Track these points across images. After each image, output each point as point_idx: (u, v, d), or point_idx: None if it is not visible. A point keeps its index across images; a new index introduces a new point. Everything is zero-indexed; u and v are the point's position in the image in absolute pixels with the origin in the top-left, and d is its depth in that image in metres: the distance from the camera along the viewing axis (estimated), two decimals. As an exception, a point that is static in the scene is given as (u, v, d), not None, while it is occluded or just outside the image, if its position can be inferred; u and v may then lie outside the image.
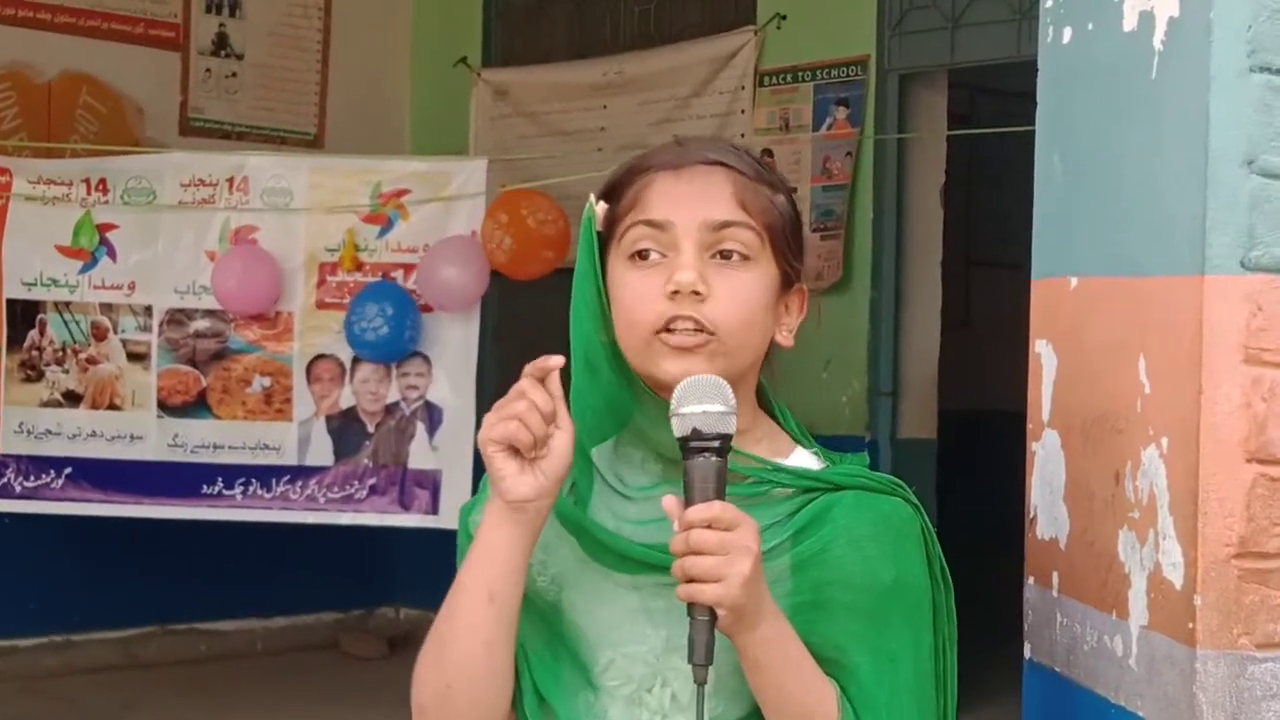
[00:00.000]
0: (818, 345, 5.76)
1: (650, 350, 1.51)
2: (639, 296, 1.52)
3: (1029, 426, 1.87)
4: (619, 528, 1.55)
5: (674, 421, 1.44)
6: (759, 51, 6.29)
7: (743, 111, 6.30)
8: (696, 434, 1.42)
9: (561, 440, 1.47)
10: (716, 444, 1.42)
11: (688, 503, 1.42)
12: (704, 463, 1.42)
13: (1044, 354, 1.85)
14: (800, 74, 6.17)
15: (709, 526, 1.39)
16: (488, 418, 1.47)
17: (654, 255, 1.53)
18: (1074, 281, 1.78)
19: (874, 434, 5.93)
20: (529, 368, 1.47)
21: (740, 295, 1.52)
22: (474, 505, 1.59)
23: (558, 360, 1.48)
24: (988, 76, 6.76)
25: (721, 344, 1.51)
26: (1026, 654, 1.85)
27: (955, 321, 6.63)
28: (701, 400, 1.43)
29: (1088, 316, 1.75)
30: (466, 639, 1.50)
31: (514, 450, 1.46)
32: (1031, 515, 1.86)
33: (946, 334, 6.24)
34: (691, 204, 1.53)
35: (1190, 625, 1.51)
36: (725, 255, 1.53)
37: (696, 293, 1.50)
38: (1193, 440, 1.52)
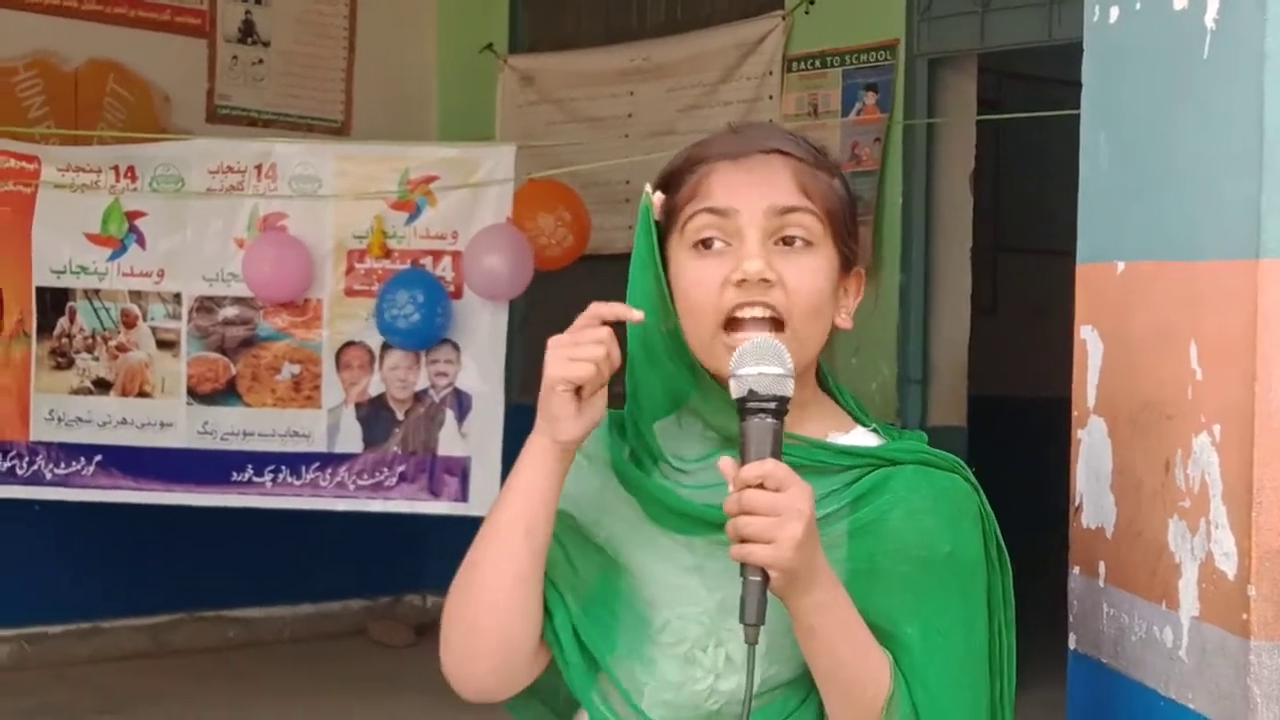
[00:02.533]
0: (847, 331, 5.72)
1: (715, 346, 1.53)
2: (704, 285, 1.53)
3: (1074, 413, 1.84)
4: (677, 493, 1.57)
5: (731, 384, 1.46)
6: (787, 37, 6.25)
7: (771, 97, 6.27)
8: (753, 395, 1.44)
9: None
10: (773, 406, 1.44)
11: (743, 464, 1.43)
12: (760, 424, 1.43)
13: (1089, 340, 1.82)
14: (828, 59, 6.13)
15: (761, 486, 1.40)
16: (555, 353, 1.48)
17: (718, 244, 1.55)
18: (1121, 266, 1.75)
19: (904, 421, 5.89)
20: (603, 309, 1.49)
21: (808, 281, 1.54)
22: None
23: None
24: (1015, 61, 6.71)
25: (793, 333, 1.53)
26: (1071, 644, 1.83)
27: (983, 307, 6.59)
28: (759, 362, 1.45)
29: (1136, 302, 1.72)
30: (498, 573, 1.53)
31: (576, 391, 1.49)
32: (1076, 503, 1.83)
33: (974, 320, 6.20)
34: (754, 191, 1.54)
35: (1244, 616, 1.49)
36: (788, 241, 1.55)
37: (765, 280, 1.52)
38: (1247, 428, 1.50)
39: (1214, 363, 1.56)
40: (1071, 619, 1.83)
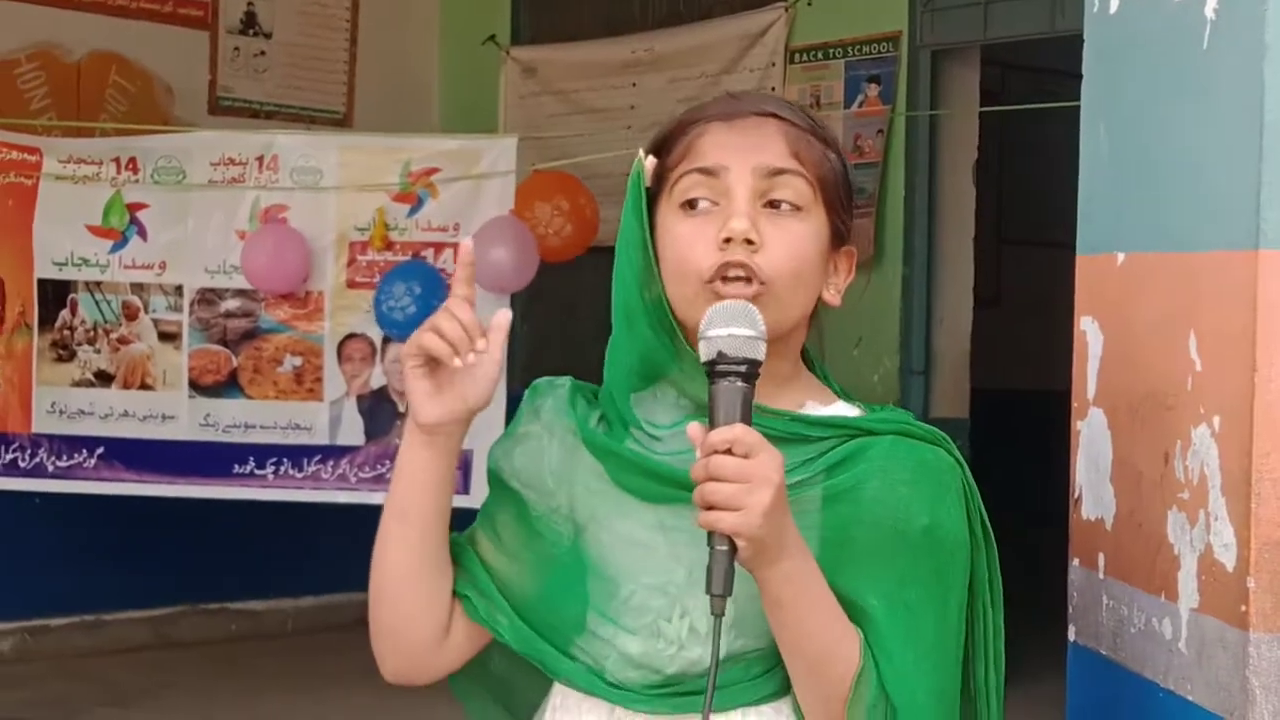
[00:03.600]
0: (849, 323, 5.72)
1: (700, 300, 1.48)
2: (690, 245, 1.50)
3: (1074, 405, 1.84)
4: (651, 458, 1.54)
5: (700, 346, 1.41)
6: (789, 28, 6.24)
7: (773, 89, 6.25)
8: (722, 357, 1.39)
9: (486, 368, 1.52)
10: (743, 369, 1.39)
11: (711, 428, 1.38)
12: (729, 387, 1.38)
13: (1090, 331, 1.82)
14: (831, 51, 6.12)
15: (729, 451, 1.36)
16: (411, 335, 1.50)
17: (705, 203, 1.51)
18: (1121, 257, 1.75)
19: (906, 413, 5.89)
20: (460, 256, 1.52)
21: (793, 245, 1.50)
22: (498, 444, 1.64)
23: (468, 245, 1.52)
24: (1018, 53, 6.70)
25: (773, 295, 1.48)
26: (1071, 636, 1.82)
27: (985, 299, 6.58)
28: (729, 324, 1.40)
29: (1135, 293, 1.72)
30: (382, 562, 1.56)
31: (433, 369, 1.49)
32: (1076, 495, 1.83)
33: (976, 312, 6.20)
34: (744, 152, 1.51)
35: (1243, 608, 1.49)
36: (777, 204, 1.51)
37: (750, 241, 1.48)
38: (1246, 419, 1.49)
39: (1213, 354, 1.56)
40: (1071, 610, 1.82)
